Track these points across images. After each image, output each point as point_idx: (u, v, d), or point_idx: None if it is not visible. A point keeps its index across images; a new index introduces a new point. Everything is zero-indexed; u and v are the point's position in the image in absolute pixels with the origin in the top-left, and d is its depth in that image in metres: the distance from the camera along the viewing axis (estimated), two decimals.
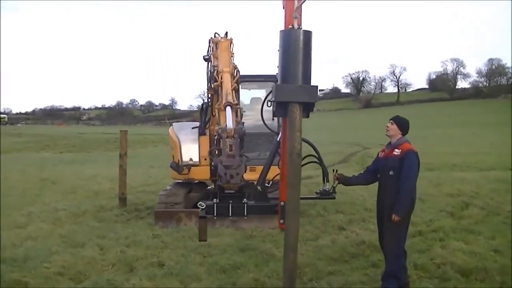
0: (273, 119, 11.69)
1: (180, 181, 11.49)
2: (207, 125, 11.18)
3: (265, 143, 11.46)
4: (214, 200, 6.55)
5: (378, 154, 6.74)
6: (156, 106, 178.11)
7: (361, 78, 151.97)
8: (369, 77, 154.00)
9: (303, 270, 7.27)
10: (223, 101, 7.75)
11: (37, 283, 6.91)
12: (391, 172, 6.30)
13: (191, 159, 10.99)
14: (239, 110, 7.62)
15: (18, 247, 8.79)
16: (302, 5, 4.88)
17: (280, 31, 5.05)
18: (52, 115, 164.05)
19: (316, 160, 7.58)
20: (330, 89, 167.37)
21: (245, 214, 6.32)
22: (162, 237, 9.36)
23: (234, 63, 9.09)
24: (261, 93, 12.25)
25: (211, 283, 6.84)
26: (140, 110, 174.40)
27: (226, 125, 7.00)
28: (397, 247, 6.31)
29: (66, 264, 7.71)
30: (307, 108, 5.06)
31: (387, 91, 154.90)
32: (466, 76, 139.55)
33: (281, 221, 6.01)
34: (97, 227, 10.45)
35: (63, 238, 9.42)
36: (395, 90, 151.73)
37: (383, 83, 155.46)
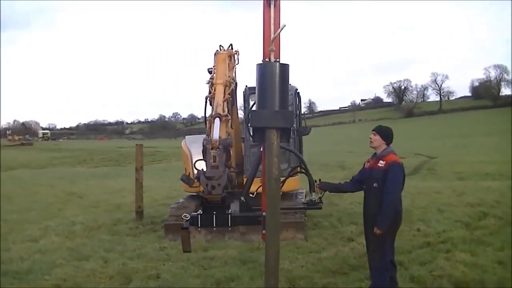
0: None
1: (193, 193, 11.64)
2: None
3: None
4: (199, 211, 6.62)
5: (364, 164, 6.70)
6: (198, 119, 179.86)
7: (402, 87, 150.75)
8: (411, 86, 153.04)
9: (298, 283, 7.30)
10: (213, 113, 7.86)
11: None
12: (375, 184, 6.26)
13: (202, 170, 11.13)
14: (229, 121, 7.70)
15: (25, 260, 9.04)
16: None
17: (257, 64, 5.09)
18: (95, 129, 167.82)
19: (303, 170, 7.60)
20: (372, 99, 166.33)
21: (229, 225, 6.38)
22: (167, 250, 9.51)
23: (232, 76, 9.19)
24: None
25: None
26: (183, 123, 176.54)
27: (212, 136, 7.11)
28: (382, 260, 6.24)
29: (66, 276, 7.93)
30: (285, 133, 5.10)
31: (429, 100, 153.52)
32: (509, 82, 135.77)
33: (263, 231, 6.07)
34: (107, 240, 10.66)
35: (71, 251, 9.65)
36: (437, 98, 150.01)
37: (425, 91, 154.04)
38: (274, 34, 4.92)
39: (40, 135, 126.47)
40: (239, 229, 10.16)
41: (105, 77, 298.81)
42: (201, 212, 6.49)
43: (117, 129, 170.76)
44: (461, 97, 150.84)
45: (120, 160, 46.20)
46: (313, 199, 7.15)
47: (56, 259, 9.04)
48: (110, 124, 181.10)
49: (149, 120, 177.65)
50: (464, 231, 9.94)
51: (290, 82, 11.86)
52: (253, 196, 8.11)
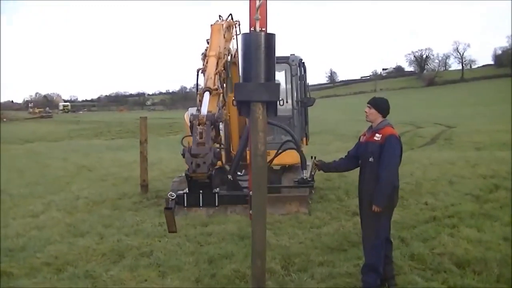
0: (281, 104, 11.68)
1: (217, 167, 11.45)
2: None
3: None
4: (185, 190, 6.41)
5: (359, 138, 6.39)
6: None
7: (424, 56, 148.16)
8: (433, 55, 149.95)
9: (293, 261, 7.11)
10: (203, 86, 7.59)
11: (21, 273, 7.02)
12: (370, 159, 5.95)
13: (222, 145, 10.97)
14: (220, 95, 7.43)
15: (21, 237, 8.98)
16: None
17: (241, 34, 4.80)
18: (116, 101, 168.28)
19: (294, 146, 7.34)
20: (394, 68, 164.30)
21: (216, 204, 6.16)
22: (165, 226, 9.33)
23: (228, 47, 8.87)
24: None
25: (190, 274, 6.75)
26: None
27: (200, 112, 6.85)
28: (376, 237, 5.95)
29: (58, 254, 7.81)
30: (272, 107, 4.83)
31: (451, 69, 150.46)
32: None
33: (251, 211, 5.85)
34: (107, 215, 10.55)
35: (69, 227, 9.57)
36: (459, 67, 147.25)
37: (447, 60, 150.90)
38: (260, 1, 4.61)
39: (61, 107, 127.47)
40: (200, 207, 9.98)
41: (127, 49, 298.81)
42: (187, 191, 6.26)
43: (138, 101, 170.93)
44: (483, 66, 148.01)
45: (137, 132, 46.20)
46: (305, 177, 6.91)
47: (52, 235, 8.96)
48: (131, 95, 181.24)
49: (170, 91, 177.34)
50: (473, 205, 9.62)
51: (294, 53, 11.63)
52: (241, 174, 7.90)
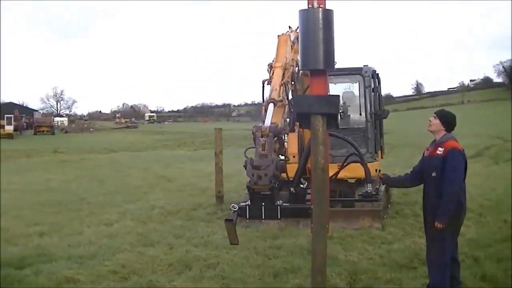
0: (360, 114, 11.60)
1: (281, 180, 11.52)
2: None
3: (356, 140, 11.31)
4: (247, 202, 6.43)
5: (424, 153, 6.25)
6: None
7: None
8: None
9: (359, 277, 7.05)
10: (268, 97, 7.64)
11: (87, 280, 7.29)
12: (433, 173, 5.88)
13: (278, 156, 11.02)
14: (286, 107, 7.42)
15: (93, 244, 9.30)
16: None
17: (299, 11, 4.81)
18: (202, 112, 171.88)
19: (358, 159, 7.27)
20: (481, 79, 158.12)
21: (279, 216, 6.15)
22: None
23: (296, 58, 8.84)
24: (344, 87, 12.24)
25: (253, 287, 6.77)
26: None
27: (263, 123, 6.89)
28: (441, 257, 5.81)
29: (126, 263, 8.04)
30: (332, 119, 4.79)
31: None
32: None
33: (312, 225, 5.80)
34: (179, 226, 10.76)
35: (140, 237, 9.83)
36: None
37: None
38: None
39: (147, 118, 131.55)
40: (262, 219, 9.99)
41: (213, 60, 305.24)
42: (249, 203, 6.27)
43: (224, 112, 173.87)
44: None
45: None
46: (369, 191, 6.80)
47: (123, 244, 9.22)
48: (217, 106, 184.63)
49: (256, 102, 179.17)
50: None
51: (367, 64, 11.54)
52: (304, 186, 7.86)
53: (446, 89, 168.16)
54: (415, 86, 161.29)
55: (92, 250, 8.92)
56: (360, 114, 11.58)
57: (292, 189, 6.91)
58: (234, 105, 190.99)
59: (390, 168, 6.97)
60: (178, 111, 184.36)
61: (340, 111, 4.80)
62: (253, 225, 10.18)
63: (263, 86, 8.29)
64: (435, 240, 5.88)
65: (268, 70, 8.37)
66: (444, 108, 6.62)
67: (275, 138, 6.79)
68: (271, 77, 8.12)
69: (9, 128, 61.98)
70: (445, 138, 5.90)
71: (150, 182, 19.04)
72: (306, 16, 4.68)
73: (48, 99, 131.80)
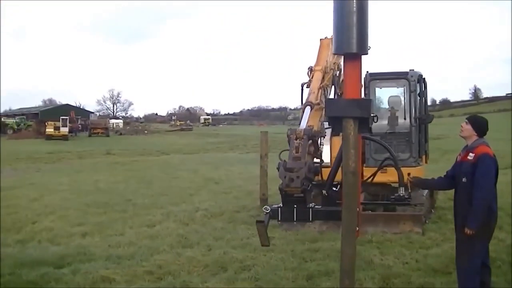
0: (404, 119, 11.53)
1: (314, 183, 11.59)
2: None
3: (400, 144, 11.30)
4: (279, 204, 6.50)
5: (456, 158, 6.19)
6: None
7: None
8: None
9: (392, 281, 7.08)
10: (305, 100, 7.74)
11: (122, 280, 7.53)
12: (464, 179, 5.86)
13: (322, 160, 11.10)
14: (323, 110, 7.49)
15: (133, 245, 9.55)
16: None
17: (334, 1, 4.84)
18: (258, 115, 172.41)
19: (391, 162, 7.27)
20: None
21: (310, 219, 6.20)
22: (275, 240, 9.49)
23: (338, 62, 8.85)
24: (393, 91, 12.30)
25: None
26: None
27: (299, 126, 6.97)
28: (470, 263, 5.77)
29: (163, 263, 8.23)
30: (364, 123, 4.80)
31: None
32: None
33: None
34: (220, 227, 10.91)
35: (180, 238, 10.03)
36: None
37: None
38: None
39: (202, 121, 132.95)
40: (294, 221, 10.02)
41: (270, 63, 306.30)
42: (281, 205, 6.35)
43: (279, 115, 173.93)
44: None
45: (273, 146, 46.98)
46: (401, 194, 6.78)
47: (162, 245, 9.43)
48: (273, 110, 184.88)
49: None
50: None
51: (413, 68, 11.54)
52: (337, 189, 7.89)
53: (504, 94, 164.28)
54: (473, 91, 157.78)
55: (131, 250, 9.15)
56: (405, 119, 11.54)
57: (324, 191, 6.95)
58: (291, 109, 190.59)
59: (438, 174, 6.89)
60: (234, 114, 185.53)
61: (373, 114, 4.79)
62: (294, 228, 10.26)
63: (302, 89, 8.35)
64: (465, 246, 5.84)
65: (308, 73, 8.43)
66: (502, 113, 6.56)
67: (310, 141, 6.84)
68: (310, 80, 8.19)
69: (64, 130, 63.74)
70: (476, 144, 5.86)
71: (197, 184, 19.31)
72: (340, 4, 4.68)
73: (104, 101, 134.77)
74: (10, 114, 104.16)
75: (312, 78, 8.14)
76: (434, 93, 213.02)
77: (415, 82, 11.34)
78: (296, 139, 6.50)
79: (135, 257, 8.68)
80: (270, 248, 9.02)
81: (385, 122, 11.82)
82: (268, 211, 6.34)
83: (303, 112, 7.40)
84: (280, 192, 6.23)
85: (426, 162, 12.20)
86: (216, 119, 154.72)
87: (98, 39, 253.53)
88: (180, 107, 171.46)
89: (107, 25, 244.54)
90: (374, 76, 11.50)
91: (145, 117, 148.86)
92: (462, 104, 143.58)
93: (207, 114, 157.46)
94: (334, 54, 7.57)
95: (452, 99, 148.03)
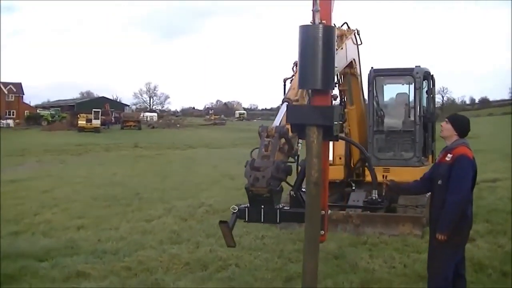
0: (409, 117, 11.22)
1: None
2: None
3: (405, 143, 11.03)
4: (247, 204, 6.31)
5: (436, 159, 5.92)
6: None
7: None
8: None
9: (371, 287, 6.84)
10: (284, 97, 7.52)
11: (96, 275, 7.47)
12: (439, 181, 5.56)
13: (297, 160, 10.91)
14: None
15: (122, 240, 9.50)
16: None
17: (299, 27, 4.63)
18: None
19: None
20: None
21: (278, 220, 5.99)
22: (266, 239, 9.35)
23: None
24: (398, 88, 12.01)
25: None
26: None
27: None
28: (441, 271, 5.47)
29: (145, 260, 8.16)
30: (328, 130, 4.58)
31: None
32: None
33: (321, 232, 5.61)
34: (217, 224, 10.70)
35: (172, 234, 9.94)
36: None
37: None
38: None
39: (237, 115, 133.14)
40: (353, 220, 9.74)
41: None
42: (249, 205, 6.15)
43: None
44: None
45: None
46: (374, 198, 6.51)
47: (152, 241, 9.36)
48: None
49: None
50: None
51: (419, 65, 11.24)
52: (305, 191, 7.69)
53: None
54: None
55: (119, 245, 9.12)
56: (409, 116, 11.23)
57: (292, 192, 6.74)
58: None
59: None
60: (271, 109, 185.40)
61: (340, 121, 4.56)
62: (290, 227, 10.05)
63: (285, 84, 8.15)
64: (437, 253, 5.56)
65: (292, 68, 8.21)
66: None
67: (284, 140, 6.62)
68: (294, 75, 7.97)
69: (96, 122, 64.64)
70: (456, 144, 5.57)
71: (212, 179, 19.26)
72: (306, 32, 4.48)
73: (141, 95, 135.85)
74: (47, 105, 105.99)
75: (296, 73, 7.93)
76: (474, 92, 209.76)
77: (420, 79, 10.97)
78: (267, 137, 6.29)
79: (119, 252, 8.64)
80: (259, 247, 8.92)
81: (392, 120, 11.55)
82: (235, 211, 6.16)
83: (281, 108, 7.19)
84: (247, 192, 6.04)
85: (432, 162, 11.87)
86: (253, 114, 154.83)
87: (145, 34, 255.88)
88: (217, 101, 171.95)
89: (151, 21, 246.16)
90: (378, 72, 11.18)
91: (182, 110, 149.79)
92: (502, 103, 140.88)
93: (244, 109, 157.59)
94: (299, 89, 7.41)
95: (491, 97, 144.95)
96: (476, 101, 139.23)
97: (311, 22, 4.37)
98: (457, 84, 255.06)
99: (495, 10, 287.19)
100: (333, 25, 4.54)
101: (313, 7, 4.26)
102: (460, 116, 5.91)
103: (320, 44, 4.26)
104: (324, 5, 4.39)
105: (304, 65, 4.40)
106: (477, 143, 36.17)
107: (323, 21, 4.36)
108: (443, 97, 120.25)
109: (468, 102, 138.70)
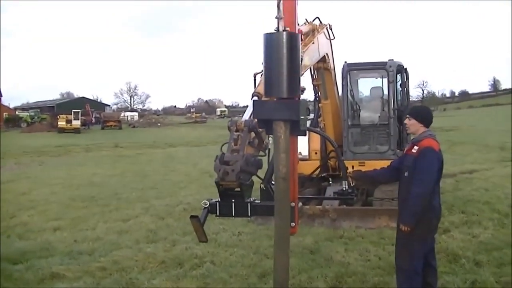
0: (383, 110, 11.29)
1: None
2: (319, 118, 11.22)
3: (380, 137, 11.10)
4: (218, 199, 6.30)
5: (405, 149, 5.98)
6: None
7: None
8: None
9: (345, 280, 6.89)
10: (254, 91, 7.50)
11: (72, 276, 7.46)
12: (405, 173, 5.61)
13: (300, 153, 10.87)
14: None
15: (99, 240, 9.48)
16: None
17: (263, 34, 4.61)
18: None
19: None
20: None
21: (249, 214, 5.98)
22: (244, 235, 9.38)
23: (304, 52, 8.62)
24: (373, 82, 12.13)
25: None
26: None
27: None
28: (409, 263, 5.50)
29: (120, 259, 8.14)
30: (295, 126, 4.56)
31: None
32: None
33: (292, 224, 5.61)
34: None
35: (148, 233, 9.94)
36: None
37: None
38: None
39: (218, 113, 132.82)
40: (330, 214, 9.78)
41: None
42: (219, 200, 6.14)
43: None
44: None
45: None
46: (344, 189, 6.53)
47: (128, 240, 9.36)
48: None
49: None
50: None
51: (393, 58, 11.33)
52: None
53: None
54: (492, 82, 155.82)
55: (94, 246, 9.10)
56: (383, 110, 11.31)
57: (262, 185, 6.75)
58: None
59: None
60: None
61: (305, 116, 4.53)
62: (266, 223, 10.07)
63: (255, 79, 8.13)
64: (402, 246, 5.61)
65: (262, 63, 8.15)
66: None
67: (254, 134, 6.62)
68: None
69: (76, 123, 64.05)
70: (422, 137, 5.62)
71: (191, 178, 19.23)
72: (270, 40, 4.46)
73: (121, 94, 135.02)
74: (26, 107, 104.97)
75: None
76: (453, 85, 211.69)
77: (393, 73, 11.05)
78: (236, 131, 6.28)
79: (95, 253, 8.62)
80: (235, 243, 8.94)
81: (367, 114, 11.62)
82: (206, 206, 6.16)
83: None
84: (217, 186, 6.03)
85: None
86: (235, 111, 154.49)
87: (125, 34, 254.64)
88: (199, 99, 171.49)
89: (132, 21, 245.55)
90: (351, 67, 11.24)
91: (164, 109, 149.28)
92: (481, 95, 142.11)
93: (226, 106, 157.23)
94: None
95: (471, 90, 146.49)
96: (456, 94, 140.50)
97: (275, 30, 4.37)
98: (437, 77, 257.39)
99: (474, 4, 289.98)
100: (298, 32, 4.54)
101: (277, 14, 4.26)
102: (419, 108, 6.12)
103: (285, 52, 4.24)
104: (288, 11, 4.39)
105: (269, 73, 4.37)
106: (457, 135, 36.82)
107: (287, 28, 4.36)
108: (423, 90, 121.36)
109: (448, 95, 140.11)
